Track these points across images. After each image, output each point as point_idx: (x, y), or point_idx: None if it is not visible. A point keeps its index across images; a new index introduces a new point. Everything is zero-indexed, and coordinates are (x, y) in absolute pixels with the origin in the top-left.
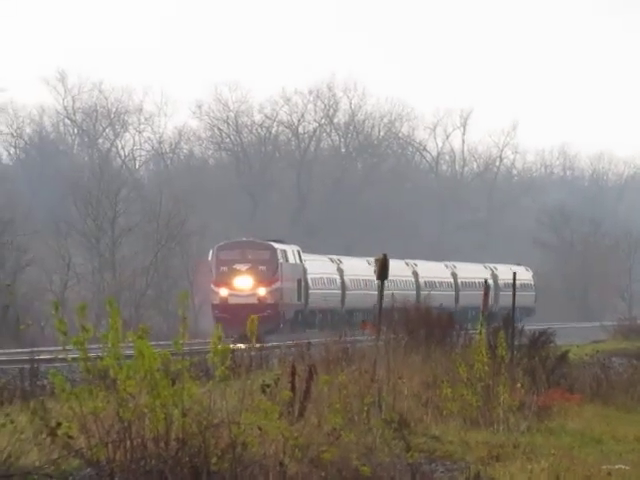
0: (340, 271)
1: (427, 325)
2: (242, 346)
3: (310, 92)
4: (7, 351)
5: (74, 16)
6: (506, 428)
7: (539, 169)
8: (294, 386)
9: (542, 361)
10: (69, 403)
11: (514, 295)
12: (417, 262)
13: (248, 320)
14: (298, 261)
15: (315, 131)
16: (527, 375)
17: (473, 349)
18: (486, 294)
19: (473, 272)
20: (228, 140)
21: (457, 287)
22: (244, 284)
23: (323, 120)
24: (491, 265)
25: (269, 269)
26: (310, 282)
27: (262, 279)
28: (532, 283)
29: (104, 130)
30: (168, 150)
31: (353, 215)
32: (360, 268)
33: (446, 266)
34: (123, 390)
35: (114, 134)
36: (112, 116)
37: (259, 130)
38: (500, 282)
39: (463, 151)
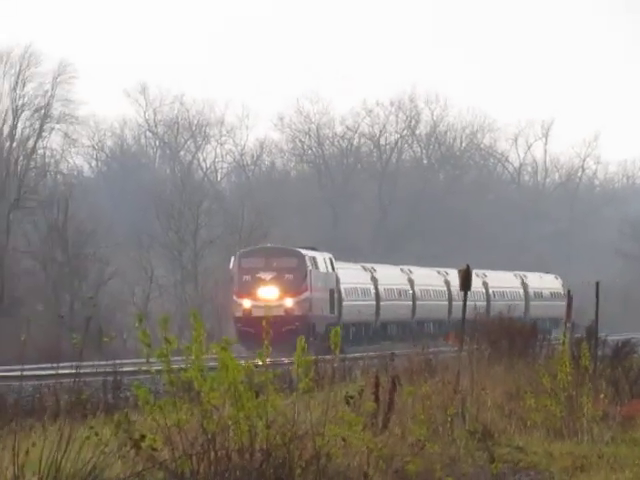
0: (374, 280)
1: (509, 336)
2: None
3: (392, 103)
4: (90, 363)
5: (156, 29)
6: (590, 438)
7: (621, 179)
8: (378, 397)
9: (625, 371)
10: (153, 415)
11: (597, 305)
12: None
13: (276, 333)
14: (330, 269)
15: (397, 142)
16: (610, 385)
17: (556, 360)
18: (569, 305)
19: (503, 281)
20: (310, 152)
21: (489, 297)
22: (269, 294)
23: (405, 131)
24: (521, 273)
25: (297, 278)
26: (344, 293)
27: (289, 289)
28: (562, 293)
29: (186, 142)
30: (250, 162)
31: (435, 226)
32: (394, 277)
33: (477, 275)
34: (207, 402)
35: (195, 146)
36: (194, 128)
37: (341, 142)
38: (530, 291)
39: (545, 162)
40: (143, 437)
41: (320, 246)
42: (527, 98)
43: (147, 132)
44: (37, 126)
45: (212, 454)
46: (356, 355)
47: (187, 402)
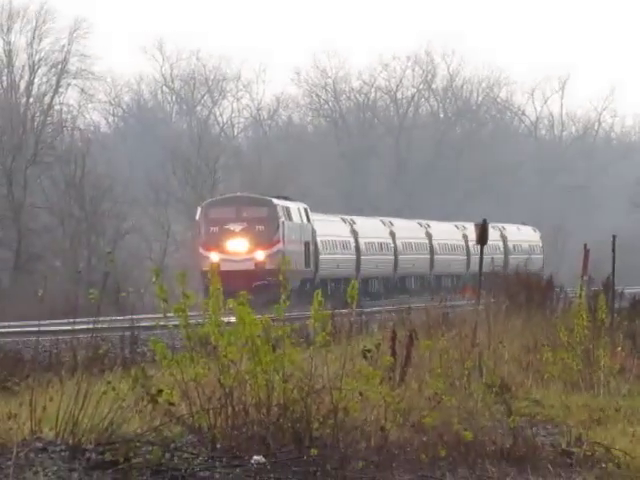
0: (354, 233)
1: (527, 289)
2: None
3: (408, 58)
4: (107, 318)
5: None
6: (607, 392)
7: (638, 132)
8: (395, 351)
9: None
10: (170, 370)
11: (614, 259)
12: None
13: (245, 289)
14: (305, 221)
15: (413, 97)
16: (627, 338)
17: (573, 313)
18: (586, 258)
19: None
20: (327, 106)
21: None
22: (238, 247)
23: (421, 85)
24: (499, 225)
25: (268, 229)
26: (320, 245)
27: (260, 241)
28: (540, 245)
29: (202, 98)
30: (266, 117)
31: (452, 180)
32: (375, 229)
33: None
34: (224, 357)
35: (212, 102)
36: (210, 84)
37: (357, 96)
38: (509, 244)
39: (562, 115)
40: (160, 392)
41: (337, 200)
42: (543, 52)
43: (164, 87)
44: (54, 82)
45: (229, 409)
46: (373, 309)
47: (204, 357)
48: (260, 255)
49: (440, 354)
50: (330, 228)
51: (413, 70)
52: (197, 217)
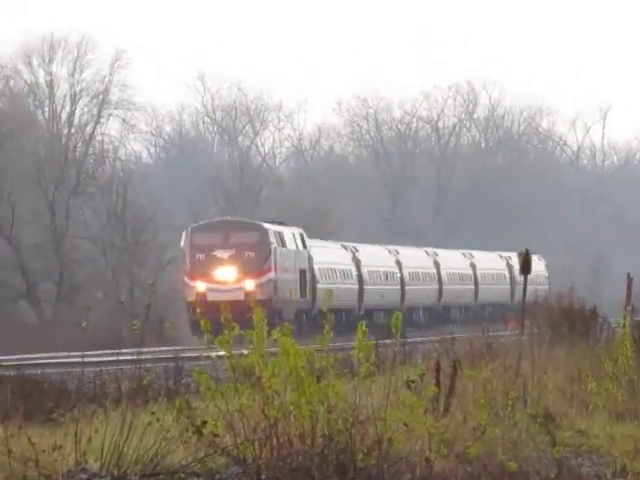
0: (356, 261)
1: (570, 319)
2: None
3: (449, 88)
4: (151, 349)
5: (213, 14)
6: None
7: None
8: (439, 381)
9: None
10: (215, 401)
11: None
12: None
13: (234, 321)
14: (301, 247)
15: (455, 126)
16: None
17: (617, 343)
18: (629, 288)
19: (490, 262)
20: (368, 137)
21: (477, 280)
22: (226, 275)
23: (463, 115)
24: (505, 254)
25: (259, 256)
26: (318, 274)
27: (250, 269)
28: (546, 275)
29: (244, 128)
30: (308, 147)
31: (493, 209)
32: (380, 258)
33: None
34: (268, 388)
35: (254, 132)
36: (252, 114)
37: (399, 126)
38: (516, 273)
39: (603, 145)
40: (205, 423)
41: (378, 231)
42: (585, 81)
43: (205, 118)
44: (95, 112)
45: (274, 440)
46: (417, 339)
47: (248, 388)
48: (250, 284)
49: (484, 384)
50: (329, 255)
51: (455, 100)
52: (182, 243)
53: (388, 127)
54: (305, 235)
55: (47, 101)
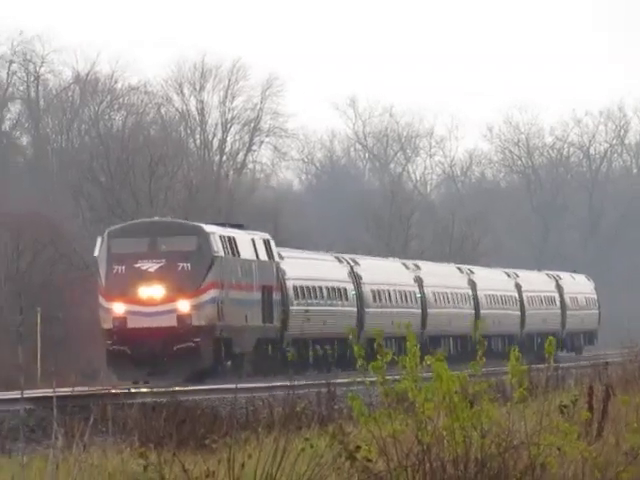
0: (355, 277)
1: None
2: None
3: (600, 113)
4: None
5: (364, 41)
6: None
7: None
8: (591, 406)
9: None
10: (368, 426)
11: None
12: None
13: (164, 355)
14: (264, 257)
15: (606, 152)
16: None
17: None
18: None
19: (537, 284)
20: (519, 162)
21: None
22: (153, 294)
23: (614, 141)
24: (554, 274)
25: (197, 268)
26: (292, 293)
27: (184, 285)
28: (595, 298)
29: (395, 155)
30: (459, 173)
31: None
32: (388, 272)
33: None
34: (421, 413)
35: (405, 158)
36: (403, 140)
37: (550, 152)
38: (566, 297)
39: None
40: (358, 448)
41: (530, 256)
42: None
43: (356, 144)
44: (246, 140)
45: (427, 465)
46: (570, 364)
47: (402, 413)
48: (184, 306)
49: (637, 409)
50: (313, 269)
51: (606, 125)
52: (96, 251)
53: (539, 153)
54: (272, 242)
55: (198, 129)
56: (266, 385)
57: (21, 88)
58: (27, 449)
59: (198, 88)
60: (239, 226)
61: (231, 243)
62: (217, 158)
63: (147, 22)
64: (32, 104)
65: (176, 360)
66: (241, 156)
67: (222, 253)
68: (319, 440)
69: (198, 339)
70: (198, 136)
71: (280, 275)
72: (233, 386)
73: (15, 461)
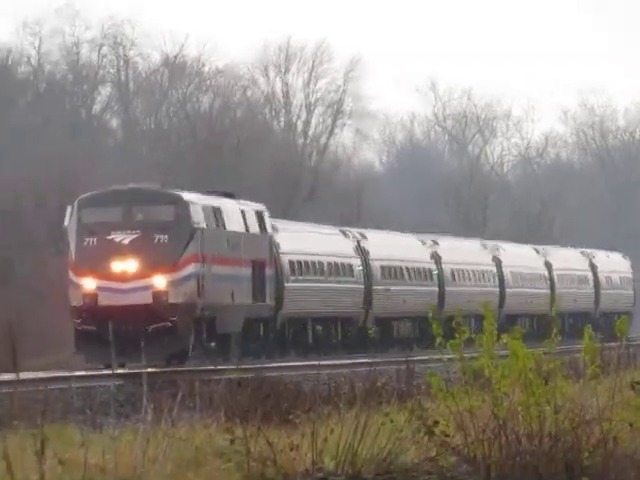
0: (361, 252)
1: None
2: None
3: None
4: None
5: (444, 23)
6: None
7: None
8: None
9: None
10: (446, 402)
11: None
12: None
13: (138, 335)
14: (256, 230)
15: None
16: None
17: None
18: None
19: (568, 261)
20: (594, 145)
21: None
22: (127, 269)
23: None
24: (588, 250)
25: (175, 240)
26: (288, 268)
27: (161, 259)
28: (631, 277)
29: (473, 137)
30: (535, 155)
31: None
32: (400, 246)
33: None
34: (498, 389)
35: (483, 140)
36: (481, 122)
37: (623, 135)
38: (600, 275)
39: None
40: (436, 423)
41: (603, 237)
42: None
43: (436, 126)
44: (329, 122)
45: (503, 439)
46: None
47: (478, 389)
48: (160, 281)
49: None
50: (314, 242)
51: None
52: (66, 221)
53: (613, 136)
54: (266, 213)
55: (283, 111)
56: (348, 362)
57: (111, 71)
58: (117, 424)
59: (283, 70)
60: (229, 195)
61: (216, 214)
62: (301, 140)
63: (233, 6)
64: (122, 87)
65: (151, 341)
66: (324, 138)
67: (204, 224)
68: (399, 415)
69: (175, 318)
70: (282, 118)
71: (274, 249)
72: (316, 362)
73: (106, 435)
